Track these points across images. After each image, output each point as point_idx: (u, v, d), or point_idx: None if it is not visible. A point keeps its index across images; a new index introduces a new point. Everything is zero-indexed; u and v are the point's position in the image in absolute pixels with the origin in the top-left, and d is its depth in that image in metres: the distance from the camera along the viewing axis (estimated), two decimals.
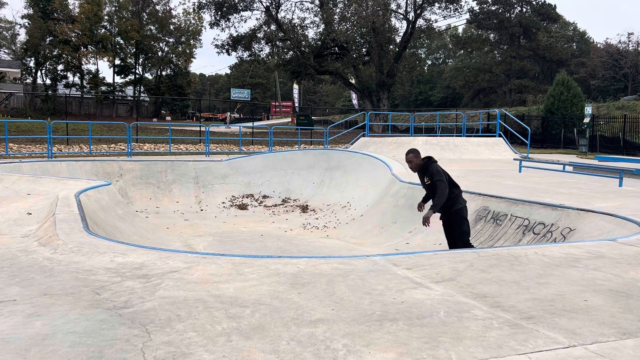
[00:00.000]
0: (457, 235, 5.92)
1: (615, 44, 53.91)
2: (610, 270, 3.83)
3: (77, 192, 6.99)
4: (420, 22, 38.10)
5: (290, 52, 37.36)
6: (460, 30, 61.99)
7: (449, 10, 38.43)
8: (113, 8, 55.69)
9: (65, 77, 55.34)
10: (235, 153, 18.79)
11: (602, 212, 6.18)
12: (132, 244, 4.83)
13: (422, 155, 6.07)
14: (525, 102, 45.93)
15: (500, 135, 19.58)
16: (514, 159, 15.37)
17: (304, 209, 12.34)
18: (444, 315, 2.83)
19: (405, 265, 3.91)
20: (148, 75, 61.82)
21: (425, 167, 5.95)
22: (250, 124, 39.10)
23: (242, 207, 12.74)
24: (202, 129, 26.57)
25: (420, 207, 6.26)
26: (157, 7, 56.78)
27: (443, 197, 5.67)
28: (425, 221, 5.76)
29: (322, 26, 36.76)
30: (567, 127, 28.98)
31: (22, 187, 8.14)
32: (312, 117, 42.02)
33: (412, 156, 5.98)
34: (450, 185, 5.86)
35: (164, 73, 59.80)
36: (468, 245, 5.86)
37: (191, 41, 58.79)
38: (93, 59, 55.08)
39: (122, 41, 55.38)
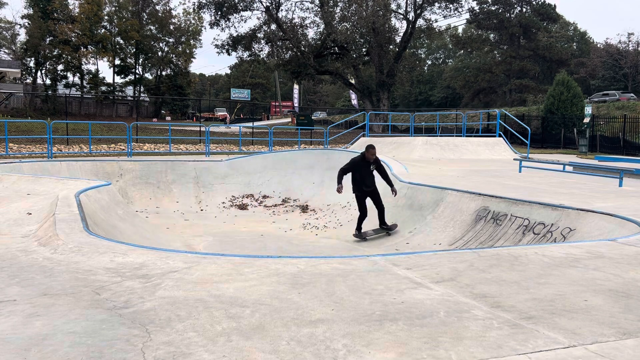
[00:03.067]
0: (379, 198, 8.97)
1: (615, 44, 53.98)
2: (610, 270, 3.83)
3: (77, 192, 6.98)
4: (420, 22, 38.12)
5: (290, 52, 37.34)
6: (460, 30, 62.03)
7: (449, 10, 38.43)
8: (113, 8, 55.68)
9: (65, 77, 55.32)
10: (235, 153, 18.79)
11: (602, 212, 6.18)
12: (132, 244, 4.82)
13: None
14: (525, 102, 45.93)
15: (500, 135, 19.58)
16: (514, 159, 15.37)
17: (304, 209, 12.33)
18: (444, 315, 2.82)
19: (405, 265, 3.91)
20: (148, 75, 61.84)
21: (376, 159, 8.88)
22: (250, 124, 39.07)
23: (242, 207, 12.74)
24: (202, 129, 26.58)
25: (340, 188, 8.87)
26: (157, 7, 56.80)
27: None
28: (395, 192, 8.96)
29: (322, 26, 36.75)
30: (567, 127, 28.97)
31: (22, 187, 8.14)
32: (312, 117, 42.01)
33: (375, 151, 8.82)
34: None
35: (164, 73, 59.79)
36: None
37: (191, 41, 58.79)
38: (93, 59, 55.10)
39: (122, 41, 55.38)
